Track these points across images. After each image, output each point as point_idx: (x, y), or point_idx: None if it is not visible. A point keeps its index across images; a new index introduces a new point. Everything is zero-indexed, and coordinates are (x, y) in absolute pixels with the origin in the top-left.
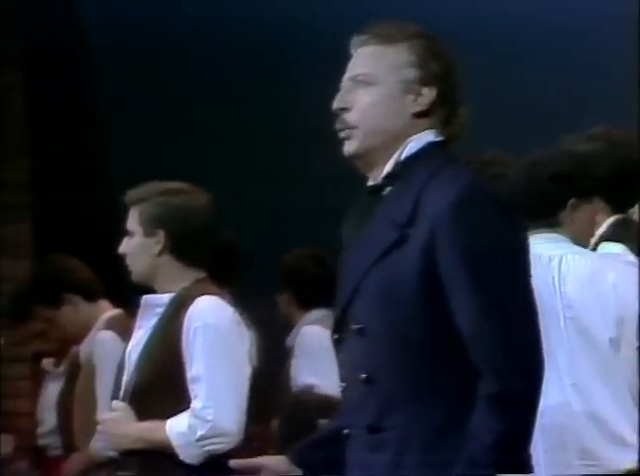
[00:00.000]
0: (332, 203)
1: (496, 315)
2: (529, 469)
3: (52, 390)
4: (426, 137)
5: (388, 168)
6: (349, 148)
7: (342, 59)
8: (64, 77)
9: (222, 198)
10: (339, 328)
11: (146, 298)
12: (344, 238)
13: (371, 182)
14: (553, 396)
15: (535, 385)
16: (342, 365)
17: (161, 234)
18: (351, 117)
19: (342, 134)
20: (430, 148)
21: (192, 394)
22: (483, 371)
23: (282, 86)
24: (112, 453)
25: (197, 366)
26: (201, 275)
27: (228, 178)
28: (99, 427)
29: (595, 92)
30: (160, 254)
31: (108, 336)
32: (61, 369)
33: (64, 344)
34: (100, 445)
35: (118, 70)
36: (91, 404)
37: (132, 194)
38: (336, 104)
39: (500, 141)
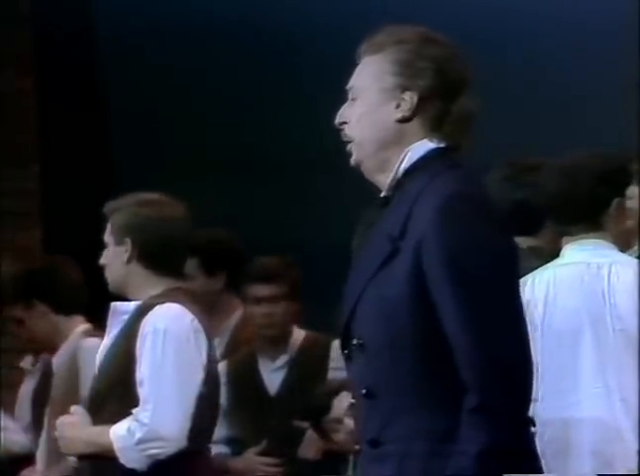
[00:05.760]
0: None
1: (477, 328)
2: None
3: (28, 388)
4: (425, 145)
5: (389, 179)
6: (351, 159)
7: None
8: (76, 84)
9: (230, 193)
10: (345, 344)
11: (114, 306)
12: (353, 250)
13: (382, 194)
14: (599, 409)
15: (518, 398)
16: (351, 381)
17: (128, 242)
18: (347, 131)
19: (347, 147)
20: (429, 156)
21: (140, 398)
22: (466, 384)
23: (297, 86)
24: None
25: (142, 369)
26: (174, 284)
27: (239, 176)
28: (56, 432)
29: (595, 92)
30: (128, 262)
31: (93, 343)
32: (38, 367)
33: (36, 345)
34: None
35: (130, 77)
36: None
37: (108, 206)
38: (336, 119)
39: (499, 140)
